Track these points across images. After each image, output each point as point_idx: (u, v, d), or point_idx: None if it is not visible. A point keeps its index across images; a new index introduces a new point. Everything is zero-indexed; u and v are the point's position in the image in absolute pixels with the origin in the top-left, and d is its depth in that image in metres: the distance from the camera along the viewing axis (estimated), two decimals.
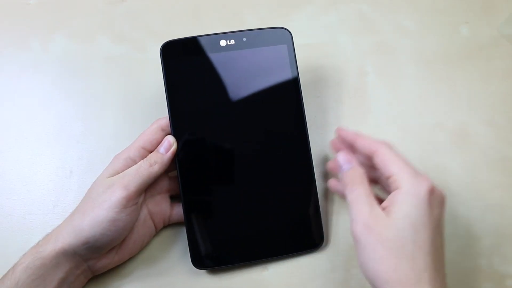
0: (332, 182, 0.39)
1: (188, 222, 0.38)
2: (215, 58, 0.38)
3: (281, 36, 0.39)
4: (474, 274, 0.40)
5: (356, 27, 0.48)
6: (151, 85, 0.44)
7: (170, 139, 0.37)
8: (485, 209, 0.43)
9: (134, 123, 0.44)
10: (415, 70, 0.47)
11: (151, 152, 0.37)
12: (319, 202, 0.40)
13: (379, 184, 0.37)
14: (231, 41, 0.39)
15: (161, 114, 0.38)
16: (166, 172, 0.38)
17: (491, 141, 0.45)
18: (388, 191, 0.34)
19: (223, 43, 0.39)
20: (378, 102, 0.45)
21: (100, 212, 0.34)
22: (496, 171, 0.44)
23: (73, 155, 0.43)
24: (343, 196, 0.36)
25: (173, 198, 0.40)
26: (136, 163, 0.37)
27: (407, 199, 0.32)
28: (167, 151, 0.37)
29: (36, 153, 0.43)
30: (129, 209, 0.35)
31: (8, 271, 0.34)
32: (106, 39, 0.47)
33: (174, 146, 0.37)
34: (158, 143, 0.37)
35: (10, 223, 0.41)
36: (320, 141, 0.44)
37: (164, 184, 0.39)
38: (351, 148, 0.37)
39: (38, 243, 0.35)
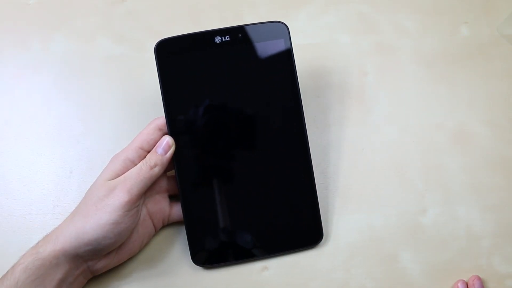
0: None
1: (187, 220, 0.38)
2: (210, 55, 0.38)
3: (277, 31, 0.39)
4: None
5: (356, 27, 0.48)
6: (151, 85, 0.44)
7: (169, 140, 0.37)
8: (485, 209, 0.43)
9: (134, 123, 0.43)
10: (415, 70, 0.47)
11: (149, 151, 0.37)
12: (320, 202, 0.40)
13: None
14: (226, 37, 0.38)
15: (161, 114, 0.38)
16: (164, 171, 0.38)
17: (491, 141, 0.45)
18: None
19: (218, 39, 0.38)
20: (378, 102, 0.45)
21: (103, 216, 0.34)
22: (496, 171, 0.44)
23: (73, 155, 0.43)
24: None
25: (172, 198, 0.40)
26: (134, 164, 0.36)
27: None
28: (166, 152, 0.37)
29: (36, 153, 0.43)
30: (131, 211, 0.35)
31: (8, 272, 0.34)
32: (106, 39, 0.47)
33: (173, 147, 0.37)
34: (156, 143, 0.37)
35: (10, 223, 0.41)
36: (320, 141, 0.44)
37: (163, 184, 0.39)
38: None
39: (37, 243, 0.35)
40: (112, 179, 0.36)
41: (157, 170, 0.36)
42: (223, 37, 0.38)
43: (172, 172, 0.40)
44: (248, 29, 0.38)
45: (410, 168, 0.43)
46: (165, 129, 0.38)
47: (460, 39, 0.48)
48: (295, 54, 0.39)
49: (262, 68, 0.39)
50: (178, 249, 0.40)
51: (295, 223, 0.40)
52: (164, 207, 0.39)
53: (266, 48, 0.39)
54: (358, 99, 0.45)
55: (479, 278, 0.40)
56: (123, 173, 0.36)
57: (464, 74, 0.47)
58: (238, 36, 0.38)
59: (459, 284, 0.40)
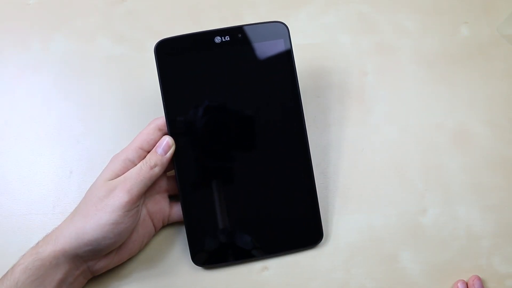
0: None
1: (187, 220, 0.38)
2: (210, 55, 0.38)
3: (277, 31, 0.39)
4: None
5: (356, 27, 0.48)
6: (151, 85, 0.44)
7: (169, 140, 0.37)
8: (485, 209, 0.43)
9: (134, 123, 0.44)
10: (415, 70, 0.47)
11: (149, 152, 0.37)
12: (320, 202, 0.40)
13: None
14: (226, 37, 0.38)
15: (161, 114, 0.38)
16: (164, 171, 0.38)
17: (491, 141, 0.45)
18: None
19: (218, 39, 0.38)
20: (378, 102, 0.45)
21: (103, 216, 0.34)
22: (496, 171, 0.44)
23: (73, 155, 0.43)
24: None
25: (172, 198, 0.40)
26: (134, 164, 0.36)
27: None
28: (166, 152, 0.37)
29: (36, 153, 0.43)
30: (131, 212, 0.35)
31: (7, 272, 0.34)
32: (106, 39, 0.47)
33: (173, 148, 0.37)
34: (156, 143, 0.37)
35: (10, 223, 0.41)
36: (320, 141, 0.44)
37: (163, 184, 0.39)
38: None
39: (37, 243, 0.35)
40: (112, 179, 0.36)
41: (157, 170, 0.36)
42: (223, 37, 0.38)
43: (172, 172, 0.40)
44: (248, 29, 0.38)
45: (410, 168, 0.43)
46: (165, 129, 0.38)
47: (460, 39, 0.48)
48: (295, 54, 0.39)
49: (262, 68, 0.39)
50: (178, 249, 0.40)
51: (295, 223, 0.40)
52: (164, 207, 0.39)
53: (266, 48, 0.39)
54: (358, 99, 0.45)
55: (479, 278, 0.40)
56: (123, 173, 0.36)
57: (464, 74, 0.47)
58: (238, 36, 0.38)
59: (459, 284, 0.40)
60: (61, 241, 0.34)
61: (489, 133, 0.45)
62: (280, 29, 0.39)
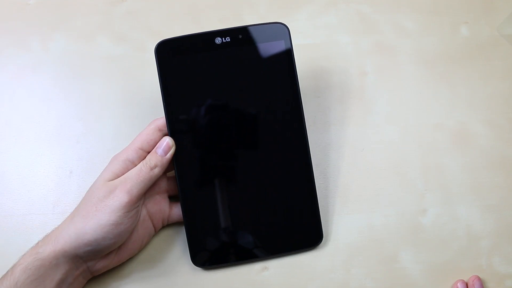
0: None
1: (187, 221, 0.38)
2: (211, 55, 0.38)
3: (278, 32, 0.39)
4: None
5: (356, 27, 0.48)
6: (151, 85, 0.45)
7: (169, 141, 0.37)
8: (485, 209, 0.43)
9: (134, 123, 0.44)
10: (415, 70, 0.47)
11: (149, 152, 0.37)
12: (319, 202, 0.40)
13: None
14: (227, 38, 0.38)
15: (161, 114, 0.38)
16: (164, 172, 0.38)
17: (491, 141, 0.45)
18: None
19: (218, 40, 0.38)
20: (378, 102, 0.45)
21: (103, 216, 0.34)
22: (496, 171, 0.44)
23: (73, 155, 0.43)
24: None
25: (172, 198, 0.40)
26: (134, 165, 0.36)
27: None
28: (166, 153, 0.37)
29: (36, 153, 0.43)
30: (131, 212, 0.35)
31: (7, 272, 0.34)
32: (106, 39, 0.47)
33: (173, 148, 0.37)
34: (156, 143, 0.37)
35: (10, 223, 0.41)
36: (320, 141, 0.44)
37: (163, 184, 0.39)
38: None
39: (37, 244, 0.35)
40: (112, 180, 0.36)
41: (157, 171, 0.36)
42: (223, 38, 0.38)
43: (172, 173, 0.40)
44: (248, 30, 0.38)
45: (410, 168, 0.43)
46: (165, 129, 0.38)
47: (460, 39, 0.48)
48: (295, 54, 0.39)
49: (262, 69, 0.39)
50: (178, 249, 0.40)
51: (295, 224, 0.40)
52: (164, 207, 0.39)
53: (266, 49, 0.39)
54: (358, 99, 0.45)
55: (479, 278, 0.40)
56: (123, 174, 0.36)
57: (464, 74, 0.47)
58: (239, 37, 0.38)
59: (458, 284, 0.40)
60: (61, 241, 0.34)
61: (489, 133, 0.45)
62: (280, 30, 0.39)
